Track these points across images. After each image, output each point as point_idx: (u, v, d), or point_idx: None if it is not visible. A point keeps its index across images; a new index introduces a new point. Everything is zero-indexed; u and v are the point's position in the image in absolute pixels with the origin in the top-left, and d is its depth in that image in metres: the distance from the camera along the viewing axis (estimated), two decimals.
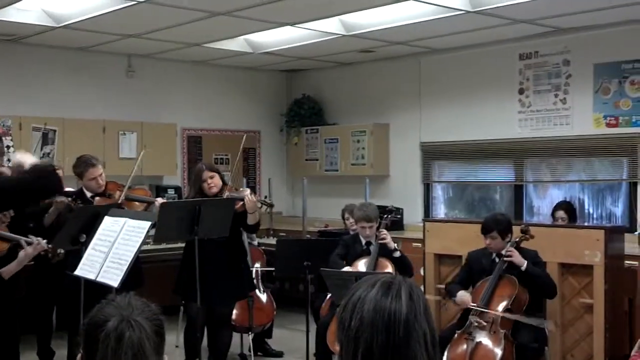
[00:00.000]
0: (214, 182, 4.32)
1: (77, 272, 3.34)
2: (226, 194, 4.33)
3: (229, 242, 4.24)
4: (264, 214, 7.35)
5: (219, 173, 4.40)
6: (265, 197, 4.40)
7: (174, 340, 5.24)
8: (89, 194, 4.41)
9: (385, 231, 4.56)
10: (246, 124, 7.91)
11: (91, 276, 3.22)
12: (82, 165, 4.40)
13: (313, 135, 7.76)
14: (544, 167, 6.32)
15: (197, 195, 4.31)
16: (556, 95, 6.06)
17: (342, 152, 7.45)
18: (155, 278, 4.65)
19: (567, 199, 5.95)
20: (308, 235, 6.55)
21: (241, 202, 4.26)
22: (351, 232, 5.14)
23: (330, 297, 4.71)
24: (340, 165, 7.47)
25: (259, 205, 4.36)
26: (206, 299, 4.08)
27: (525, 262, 4.10)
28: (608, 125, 5.76)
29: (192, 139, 7.54)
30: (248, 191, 4.51)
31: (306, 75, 8.08)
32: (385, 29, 5.80)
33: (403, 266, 4.57)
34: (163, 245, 5.82)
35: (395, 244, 4.61)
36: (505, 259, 4.12)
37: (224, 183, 4.43)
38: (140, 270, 4.33)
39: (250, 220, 4.32)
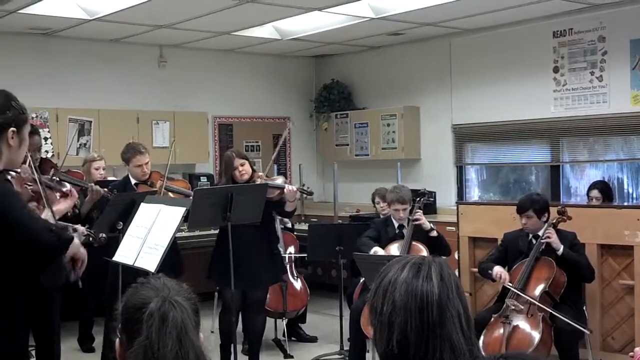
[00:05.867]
0: (244, 170, 4.35)
1: (115, 258, 3.41)
2: (258, 181, 4.35)
3: (262, 227, 4.27)
4: (300, 200, 7.43)
5: (248, 160, 4.44)
6: (303, 185, 4.40)
7: (209, 326, 5.31)
8: (133, 181, 4.51)
9: (420, 212, 4.53)
10: (276, 111, 7.92)
11: (129, 262, 3.28)
12: (130, 151, 4.49)
13: (343, 120, 7.73)
14: (580, 147, 6.19)
15: (228, 183, 4.35)
16: (592, 73, 5.90)
17: (372, 136, 7.40)
18: (189, 264, 4.71)
19: (605, 179, 5.81)
20: (340, 220, 6.55)
21: (278, 191, 4.28)
22: (382, 216, 5.12)
23: (362, 281, 4.71)
24: (370, 149, 7.43)
25: (299, 195, 4.37)
26: (240, 284, 4.12)
27: (562, 246, 4.02)
28: None
29: (223, 127, 7.59)
30: (282, 178, 4.53)
31: (335, 60, 8.03)
32: (415, 10, 5.72)
33: (439, 246, 4.54)
34: (197, 232, 5.89)
35: (431, 224, 4.57)
36: (542, 240, 4.05)
37: (253, 170, 4.46)
38: (179, 259, 4.38)
39: (289, 207, 4.36)
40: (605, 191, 5.16)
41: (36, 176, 2.75)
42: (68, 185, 2.97)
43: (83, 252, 2.37)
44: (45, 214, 2.76)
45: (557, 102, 6.15)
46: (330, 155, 7.78)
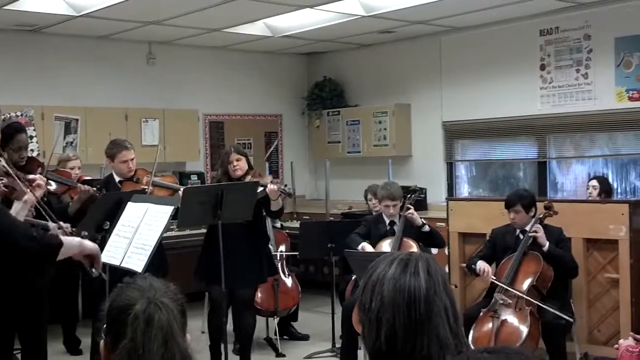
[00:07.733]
0: (239, 165, 4.34)
1: (102, 258, 3.37)
2: (248, 178, 4.35)
3: (251, 226, 4.28)
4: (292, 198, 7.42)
5: (246, 157, 4.43)
6: (286, 185, 4.38)
7: (200, 326, 5.30)
8: (117, 179, 4.39)
9: (412, 208, 4.56)
10: (267, 108, 7.92)
11: (115, 262, 3.22)
12: (116, 147, 4.36)
13: (334, 118, 7.75)
14: (567, 143, 6.26)
15: (223, 177, 4.36)
16: (578, 71, 5.96)
17: (364, 134, 7.43)
18: (179, 264, 4.68)
19: (591, 174, 5.94)
20: (331, 218, 6.57)
21: (261, 188, 4.28)
22: (374, 213, 5.14)
23: (354, 278, 4.74)
24: (362, 146, 7.46)
25: (279, 194, 4.37)
26: (228, 282, 4.11)
27: (548, 243, 4.07)
28: (631, 99, 5.66)
29: (214, 125, 7.57)
30: (270, 178, 4.53)
31: (326, 57, 8.05)
32: (405, 8, 5.75)
33: (432, 239, 4.58)
34: (186, 232, 5.88)
35: (422, 220, 4.62)
36: (530, 234, 4.10)
37: (250, 167, 4.46)
38: (164, 258, 4.35)
39: (274, 206, 4.35)
40: (603, 182, 5.40)
41: (9, 169, 2.75)
42: (31, 176, 2.95)
43: (90, 246, 2.26)
44: (16, 207, 2.74)
45: (544, 99, 6.21)
46: (322, 152, 7.80)
